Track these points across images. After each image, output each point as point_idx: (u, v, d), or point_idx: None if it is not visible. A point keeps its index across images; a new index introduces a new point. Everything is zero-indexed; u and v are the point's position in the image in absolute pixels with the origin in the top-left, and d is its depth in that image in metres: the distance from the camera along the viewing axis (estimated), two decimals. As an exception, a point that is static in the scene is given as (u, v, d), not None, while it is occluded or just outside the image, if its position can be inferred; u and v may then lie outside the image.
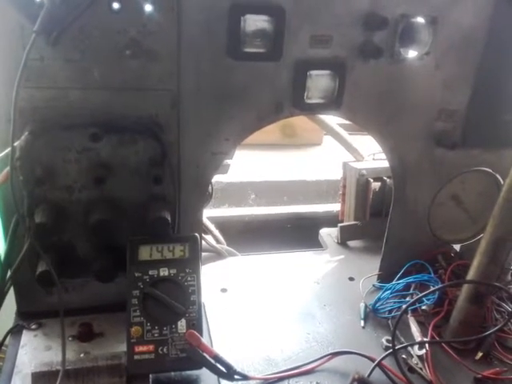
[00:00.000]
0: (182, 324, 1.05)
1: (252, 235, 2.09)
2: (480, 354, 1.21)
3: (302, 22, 1.10)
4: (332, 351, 1.19)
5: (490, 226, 1.17)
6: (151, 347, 1.03)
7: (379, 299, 1.37)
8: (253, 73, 1.13)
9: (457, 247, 1.58)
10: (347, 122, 1.32)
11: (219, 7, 1.04)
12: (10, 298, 1.14)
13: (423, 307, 1.33)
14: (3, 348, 1.15)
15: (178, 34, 1.03)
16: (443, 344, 1.22)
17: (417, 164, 1.37)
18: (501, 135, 1.37)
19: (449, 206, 1.47)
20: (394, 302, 1.37)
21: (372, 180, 1.72)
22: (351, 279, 1.53)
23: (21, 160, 0.95)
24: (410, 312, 1.33)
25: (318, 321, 1.33)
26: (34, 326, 1.17)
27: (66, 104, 1.03)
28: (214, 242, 1.72)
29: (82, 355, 1.08)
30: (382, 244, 1.48)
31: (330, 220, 1.94)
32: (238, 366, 1.07)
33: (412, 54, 1.21)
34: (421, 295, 1.26)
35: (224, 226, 1.88)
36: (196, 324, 1.06)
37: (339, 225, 1.77)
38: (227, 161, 1.42)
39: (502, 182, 1.38)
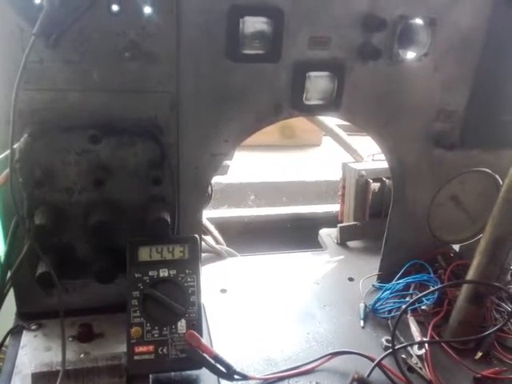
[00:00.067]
0: (181, 324, 1.05)
1: (251, 236, 2.09)
2: (479, 354, 1.22)
3: (301, 24, 1.11)
4: (332, 351, 1.19)
5: (489, 226, 1.17)
6: (151, 348, 1.03)
7: (379, 299, 1.37)
8: (252, 74, 1.13)
9: (456, 247, 1.58)
10: (346, 122, 1.32)
11: (218, 9, 1.04)
12: (10, 298, 1.14)
13: (423, 307, 1.34)
14: (3, 348, 1.15)
15: (177, 36, 1.04)
16: (443, 344, 1.22)
17: (416, 165, 1.37)
18: (499, 136, 1.37)
19: (448, 206, 1.47)
20: (394, 302, 1.37)
21: (371, 181, 1.73)
22: (351, 279, 1.53)
23: (20, 162, 0.95)
24: (409, 312, 1.33)
25: (318, 321, 1.33)
26: (33, 327, 1.17)
27: (65, 106, 1.03)
28: (213, 243, 1.72)
29: (81, 356, 1.08)
30: (381, 244, 1.48)
31: (330, 220, 1.94)
32: (237, 366, 1.07)
33: (411, 55, 1.21)
34: (420, 295, 1.26)
35: (223, 226, 1.88)
36: (196, 324, 1.06)
37: (339, 225, 1.77)
38: (227, 162, 1.42)
39: (500, 183, 1.38)
